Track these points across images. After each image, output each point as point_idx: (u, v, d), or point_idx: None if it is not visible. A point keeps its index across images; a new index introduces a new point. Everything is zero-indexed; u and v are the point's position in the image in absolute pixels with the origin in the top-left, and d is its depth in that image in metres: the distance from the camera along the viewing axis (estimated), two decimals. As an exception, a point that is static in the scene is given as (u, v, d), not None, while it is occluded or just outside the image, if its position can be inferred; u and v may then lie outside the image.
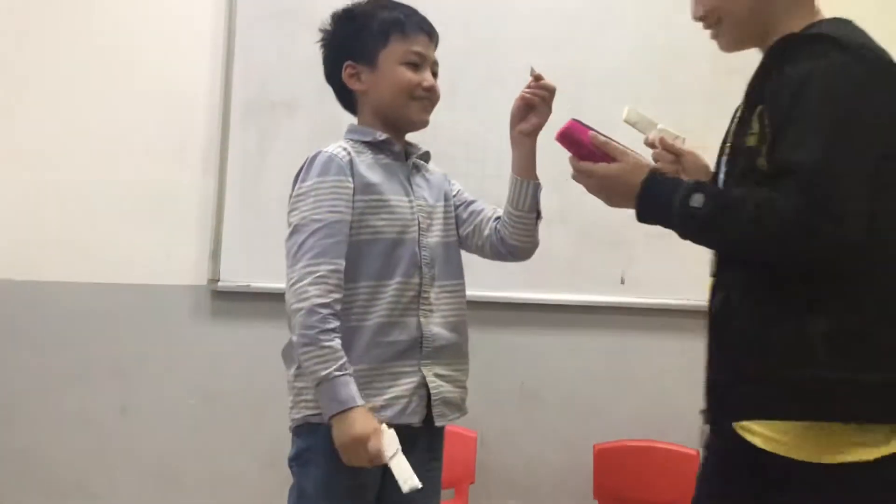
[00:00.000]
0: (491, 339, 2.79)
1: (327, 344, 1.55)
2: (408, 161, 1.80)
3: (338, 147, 1.70)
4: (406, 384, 1.65)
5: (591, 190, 1.51)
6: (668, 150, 1.67)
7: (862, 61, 1.28)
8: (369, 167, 1.70)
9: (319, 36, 1.83)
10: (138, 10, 3.09)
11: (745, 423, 1.33)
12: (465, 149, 2.79)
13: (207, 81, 3.02)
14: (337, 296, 1.59)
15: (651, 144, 1.68)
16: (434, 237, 1.77)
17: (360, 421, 1.53)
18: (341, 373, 1.55)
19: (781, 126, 1.27)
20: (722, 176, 1.46)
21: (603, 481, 2.72)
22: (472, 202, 1.88)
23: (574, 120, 1.52)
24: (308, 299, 1.57)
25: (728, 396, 1.38)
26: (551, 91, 1.73)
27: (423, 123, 1.80)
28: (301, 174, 1.69)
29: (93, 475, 2.94)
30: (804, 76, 1.27)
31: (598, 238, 2.79)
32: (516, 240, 1.79)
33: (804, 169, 1.22)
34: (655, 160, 1.65)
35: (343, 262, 1.62)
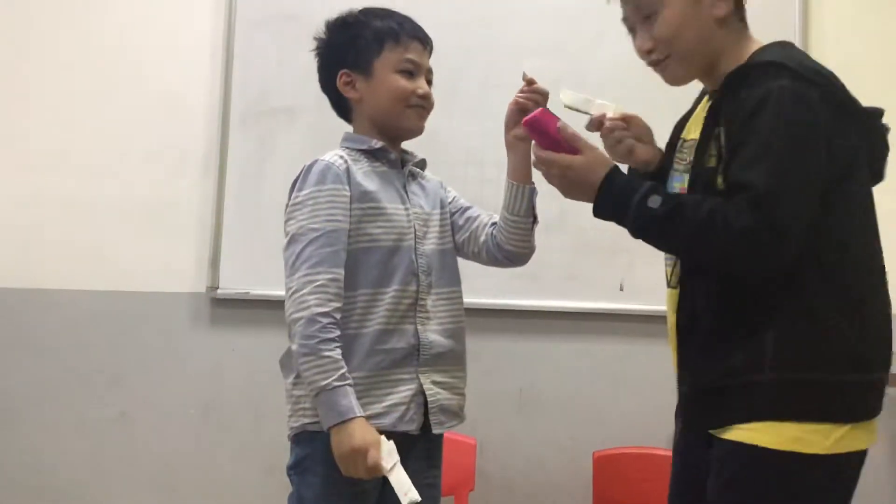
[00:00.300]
0: (490, 345, 2.78)
1: (327, 354, 1.55)
2: (403, 169, 1.80)
3: (334, 155, 1.70)
4: (404, 392, 1.65)
5: (550, 180, 1.53)
6: (617, 118, 1.68)
7: (813, 86, 1.33)
8: (366, 175, 1.71)
9: (315, 44, 1.84)
10: (138, 18, 3.10)
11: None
12: (464, 154, 2.79)
13: (206, 88, 3.02)
14: (337, 304, 1.60)
15: (597, 124, 1.68)
16: (430, 245, 1.77)
17: (360, 432, 1.53)
18: (341, 383, 1.55)
19: (736, 146, 1.33)
20: (677, 187, 1.51)
21: (602, 488, 2.71)
22: (467, 208, 1.89)
23: (544, 109, 1.56)
24: (308, 308, 1.57)
25: (695, 405, 1.44)
26: (544, 95, 1.72)
27: (418, 131, 1.81)
28: (297, 183, 1.69)
29: (92, 482, 2.94)
30: (758, 99, 1.32)
31: (597, 245, 2.78)
32: (512, 245, 1.79)
33: (754, 188, 1.28)
34: (606, 136, 1.67)
35: (342, 271, 1.62)
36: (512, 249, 1.79)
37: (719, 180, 1.36)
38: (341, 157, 1.70)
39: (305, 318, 1.56)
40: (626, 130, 1.66)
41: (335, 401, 1.54)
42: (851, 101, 1.40)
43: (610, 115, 1.66)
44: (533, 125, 1.53)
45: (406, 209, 1.74)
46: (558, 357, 2.89)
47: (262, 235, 2.80)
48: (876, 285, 1.42)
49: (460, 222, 1.86)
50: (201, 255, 2.95)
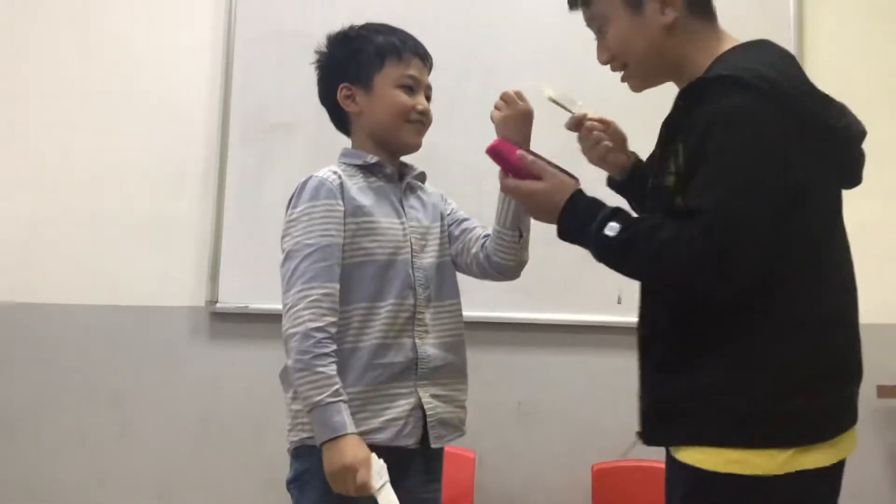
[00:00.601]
0: (488, 358, 2.78)
1: (321, 369, 1.56)
2: (402, 182, 1.81)
3: (328, 171, 1.71)
4: (402, 406, 1.65)
5: (519, 203, 1.57)
6: (596, 120, 1.70)
7: (764, 98, 1.28)
8: (360, 190, 1.72)
9: (315, 58, 1.85)
10: (138, 34, 3.13)
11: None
12: (462, 168, 2.80)
13: (206, 104, 3.04)
14: (331, 319, 1.60)
15: (577, 124, 1.70)
16: (429, 258, 1.77)
17: (351, 449, 1.53)
18: (334, 399, 1.55)
19: (690, 169, 1.30)
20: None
21: (601, 502, 2.71)
22: (464, 220, 1.89)
23: (501, 137, 1.58)
24: (302, 323, 1.58)
25: (654, 422, 1.43)
26: (526, 110, 1.71)
27: (416, 146, 1.81)
28: (293, 199, 1.71)
29: (91, 496, 2.94)
30: (708, 119, 1.29)
31: (593, 258, 2.78)
32: (499, 257, 1.79)
33: (706, 214, 1.25)
34: (585, 136, 1.69)
35: (337, 286, 1.63)
36: (499, 261, 1.79)
37: (679, 200, 1.33)
38: (335, 172, 1.71)
39: (300, 334, 1.57)
40: (604, 133, 1.68)
41: (328, 417, 1.54)
42: (811, 113, 1.35)
43: (590, 115, 1.69)
44: (495, 153, 1.54)
45: (402, 223, 1.74)
46: (557, 370, 2.90)
47: (261, 249, 2.80)
48: (834, 306, 1.38)
49: (456, 234, 1.86)
50: (201, 269, 2.97)
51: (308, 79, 1.88)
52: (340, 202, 1.67)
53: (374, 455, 1.55)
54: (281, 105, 2.96)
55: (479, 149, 2.79)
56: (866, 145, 2.90)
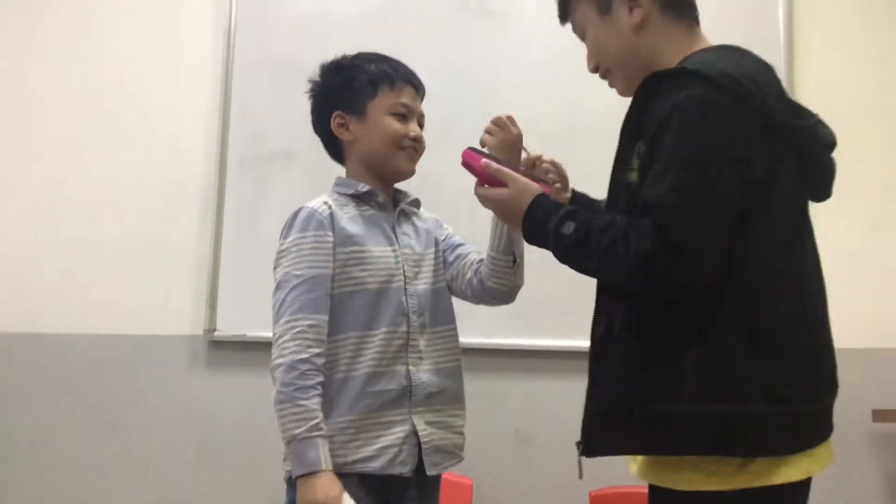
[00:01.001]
0: (485, 385, 2.78)
1: (302, 402, 1.56)
2: (396, 209, 1.82)
3: (319, 202, 1.73)
4: (396, 433, 1.65)
5: (491, 209, 1.59)
6: (548, 163, 1.76)
7: (728, 94, 1.26)
8: (351, 220, 1.73)
9: (309, 87, 1.87)
10: (138, 63, 3.16)
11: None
12: (456, 194, 2.80)
13: (205, 132, 3.07)
14: (317, 350, 1.61)
15: (531, 166, 1.74)
16: (423, 284, 1.78)
17: (324, 486, 1.54)
18: (312, 434, 1.55)
19: (647, 161, 1.29)
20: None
21: (600, 528, 2.70)
22: (459, 246, 1.89)
23: (469, 148, 1.60)
24: (288, 355, 1.59)
25: (601, 429, 1.38)
26: (518, 134, 1.73)
27: (410, 173, 1.83)
28: (284, 230, 1.72)
29: (88, 526, 2.92)
30: (666, 112, 1.27)
31: (590, 282, 2.77)
32: (493, 282, 1.79)
33: (658, 209, 1.23)
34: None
35: (324, 316, 1.64)
36: (493, 286, 1.80)
37: (639, 197, 1.31)
38: (326, 202, 1.72)
39: (285, 365, 1.58)
40: (554, 174, 1.74)
41: (303, 452, 1.55)
42: (773, 110, 1.31)
43: (541, 158, 1.75)
44: (464, 164, 1.59)
45: (394, 251, 1.75)
46: (555, 396, 2.89)
47: (259, 277, 2.75)
48: (798, 313, 1.34)
49: (450, 259, 1.87)
50: (199, 297, 2.97)
51: (306, 107, 1.89)
52: (330, 233, 1.68)
53: (346, 494, 1.55)
54: (279, 133, 2.99)
55: (472, 175, 2.82)
56: (854, 169, 2.94)
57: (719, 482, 1.27)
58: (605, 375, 1.38)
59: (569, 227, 1.35)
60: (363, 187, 1.77)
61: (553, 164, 1.76)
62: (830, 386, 1.39)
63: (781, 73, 2.87)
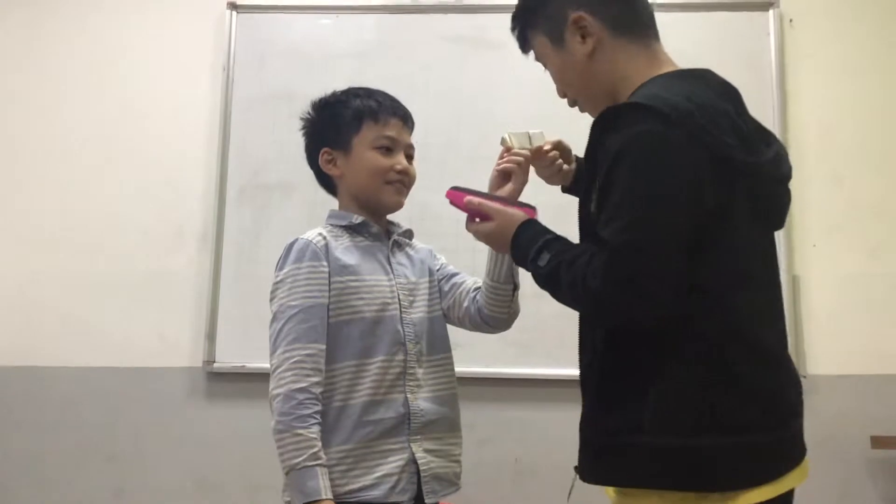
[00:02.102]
0: (485, 414, 2.79)
1: (301, 431, 1.57)
2: (389, 240, 1.84)
3: (314, 233, 1.74)
4: (395, 462, 1.65)
5: (485, 242, 1.63)
6: (551, 147, 1.74)
7: (679, 128, 1.26)
8: (346, 250, 1.74)
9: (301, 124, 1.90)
10: (138, 96, 3.19)
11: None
12: (455, 224, 2.82)
13: (204, 164, 3.09)
14: (315, 379, 1.61)
15: (537, 154, 1.73)
16: (418, 313, 1.79)
17: None
18: (312, 463, 1.56)
19: (601, 197, 1.30)
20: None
21: (601, 558, 2.69)
22: (454, 275, 1.91)
23: (452, 188, 1.63)
24: (284, 385, 1.60)
25: (585, 457, 1.41)
26: (525, 158, 1.72)
27: (397, 206, 1.84)
28: (279, 262, 1.74)
29: (86, 561, 2.90)
30: (618, 147, 1.28)
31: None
32: (492, 310, 1.80)
33: (611, 246, 1.24)
34: (549, 165, 1.74)
35: (321, 346, 1.65)
36: (492, 314, 1.81)
37: (599, 227, 1.32)
38: (321, 234, 1.74)
39: (282, 395, 1.59)
40: (559, 156, 1.75)
41: (303, 481, 1.55)
42: (727, 146, 1.30)
43: (546, 146, 1.74)
44: (451, 204, 1.64)
45: (389, 280, 1.77)
46: (554, 425, 2.87)
47: (258, 308, 2.77)
48: (760, 343, 1.33)
49: (446, 288, 1.88)
50: (198, 328, 2.98)
51: (302, 140, 1.92)
52: (325, 263, 1.70)
53: None
54: (277, 165, 3.01)
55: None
56: (852, 198, 2.96)
57: None
58: (590, 403, 1.41)
59: (544, 259, 1.38)
60: (357, 219, 1.79)
61: (555, 146, 1.75)
62: (796, 410, 1.38)
63: (774, 102, 2.97)
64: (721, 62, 3.15)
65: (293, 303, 1.66)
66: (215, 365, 2.95)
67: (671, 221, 1.25)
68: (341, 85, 1.90)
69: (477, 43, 3.11)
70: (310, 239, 1.72)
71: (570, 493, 1.52)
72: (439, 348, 1.81)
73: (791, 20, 3.07)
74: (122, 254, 3.07)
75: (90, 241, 3.08)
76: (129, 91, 3.20)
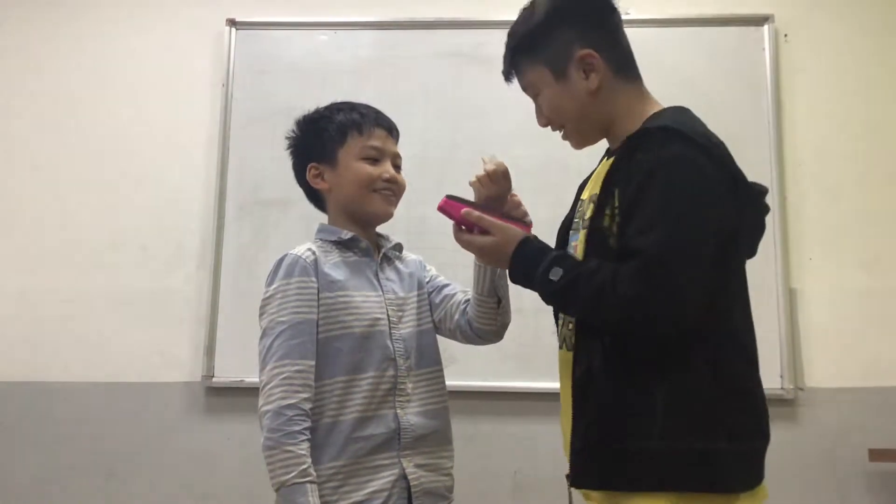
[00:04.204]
0: (484, 428, 2.79)
1: (290, 448, 1.57)
2: (379, 254, 1.84)
3: (304, 248, 1.75)
4: (385, 477, 1.65)
5: (474, 254, 1.63)
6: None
7: (703, 151, 1.35)
8: (335, 266, 1.75)
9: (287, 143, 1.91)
10: (137, 113, 3.21)
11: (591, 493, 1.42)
12: (452, 239, 2.85)
13: (203, 181, 3.11)
14: (304, 395, 1.61)
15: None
16: (408, 328, 1.79)
17: None
18: (302, 480, 1.56)
19: (629, 209, 1.36)
20: (574, 244, 1.56)
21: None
22: (444, 286, 1.90)
23: (448, 197, 1.62)
24: (274, 401, 1.60)
25: (584, 463, 1.42)
26: (502, 175, 1.71)
27: (386, 215, 1.84)
28: (269, 277, 1.73)
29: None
30: (652, 164, 1.34)
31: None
32: (480, 323, 1.80)
33: (646, 255, 1.29)
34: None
35: (310, 361, 1.65)
36: (480, 327, 1.81)
37: (612, 240, 1.39)
38: (310, 249, 1.74)
39: (272, 412, 1.59)
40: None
41: (293, 498, 1.55)
42: (740, 172, 1.41)
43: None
44: (443, 211, 1.62)
45: (378, 296, 1.77)
46: (553, 438, 2.84)
47: (256, 323, 2.82)
48: (754, 354, 1.43)
49: (437, 300, 1.88)
50: (197, 343, 2.99)
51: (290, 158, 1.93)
52: (314, 278, 1.70)
53: None
54: (276, 181, 3.01)
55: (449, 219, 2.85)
56: (848, 212, 2.98)
57: None
58: (586, 412, 1.43)
59: (556, 273, 1.39)
60: (346, 234, 1.79)
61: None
62: (768, 426, 1.44)
63: (769, 117, 2.99)
64: (716, 77, 3.22)
65: (282, 318, 1.66)
66: (214, 380, 2.96)
67: (705, 238, 1.31)
68: (340, 100, 1.92)
69: (475, 59, 3.13)
70: (299, 254, 1.72)
71: (570, 501, 1.54)
72: (429, 362, 1.81)
73: (786, 35, 3.10)
74: (121, 269, 3.08)
75: (90, 257, 3.09)
76: (128, 108, 3.21)
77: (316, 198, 1.89)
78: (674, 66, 2.87)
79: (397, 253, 1.91)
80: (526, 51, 1.57)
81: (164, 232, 3.10)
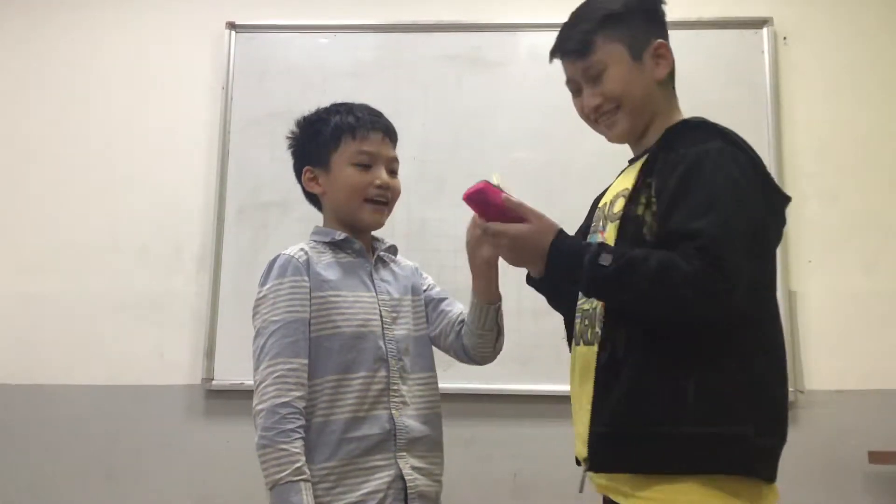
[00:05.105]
0: (483, 430, 2.79)
1: (284, 446, 1.56)
2: (373, 256, 1.83)
3: (297, 248, 1.75)
4: (381, 478, 1.64)
5: (497, 249, 1.57)
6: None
7: (740, 148, 1.44)
8: (328, 266, 1.74)
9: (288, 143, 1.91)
10: (135, 116, 3.21)
11: (616, 483, 1.43)
12: (453, 242, 2.85)
13: (202, 184, 3.11)
14: (297, 393, 1.61)
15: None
16: (402, 329, 1.78)
17: None
18: (296, 478, 1.55)
19: (675, 196, 1.38)
20: (598, 237, 1.57)
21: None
22: (441, 300, 1.89)
23: (487, 182, 1.52)
24: (267, 400, 1.59)
25: (608, 447, 1.43)
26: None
27: (375, 225, 1.83)
28: (262, 278, 1.73)
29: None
30: (698, 155, 1.40)
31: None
32: (478, 351, 1.82)
33: (705, 236, 1.31)
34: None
35: (303, 360, 1.64)
36: (477, 353, 1.82)
37: (646, 229, 1.42)
38: (303, 249, 1.75)
39: (266, 410, 1.59)
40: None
41: (287, 496, 1.54)
42: (770, 175, 1.49)
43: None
44: (476, 198, 1.52)
45: (372, 296, 1.76)
46: (552, 441, 2.87)
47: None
48: (780, 354, 1.47)
49: (433, 316, 1.88)
50: (197, 346, 2.99)
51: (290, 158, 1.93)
52: (306, 278, 1.70)
53: None
54: (276, 184, 3.02)
55: (467, 223, 2.85)
56: (849, 214, 2.98)
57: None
58: (610, 396, 1.42)
59: (606, 259, 1.37)
60: (339, 235, 1.79)
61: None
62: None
63: (769, 119, 3.00)
64: (715, 80, 3.22)
65: (275, 318, 1.66)
66: (214, 382, 2.96)
67: (746, 223, 1.36)
68: (341, 101, 1.91)
69: (474, 61, 3.14)
70: (291, 254, 1.72)
71: (581, 487, 1.55)
72: (423, 367, 1.80)
73: (785, 38, 3.10)
74: (121, 272, 3.08)
75: (89, 260, 3.09)
76: (128, 110, 3.22)
77: (312, 198, 1.89)
78: (673, 69, 2.88)
79: (392, 255, 1.90)
80: (610, 28, 1.58)
81: (163, 234, 3.10)
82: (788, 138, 3.01)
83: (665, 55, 1.59)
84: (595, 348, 1.49)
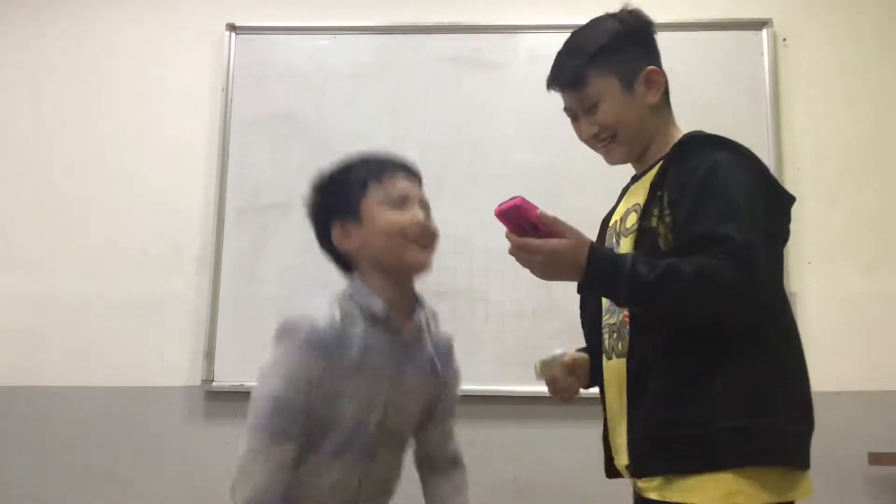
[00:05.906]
0: (482, 433, 2.79)
1: None
2: (410, 327, 1.65)
3: (326, 316, 1.54)
4: None
5: (530, 265, 1.53)
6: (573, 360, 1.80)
7: (750, 158, 1.51)
8: (354, 343, 1.55)
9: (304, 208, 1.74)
10: (136, 117, 3.21)
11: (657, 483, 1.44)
12: (453, 244, 2.85)
13: (203, 186, 3.11)
14: (283, 476, 1.54)
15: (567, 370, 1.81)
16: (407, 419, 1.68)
17: None
18: None
19: (696, 204, 1.43)
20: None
21: (600, 576, 2.68)
22: (445, 418, 1.77)
23: (523, 198, 1.49)
24: (252, 488, 1.54)
25: (646, 452, 1.47)
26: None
27: (423, 266, 1.63)
28: (278, 335, 1.55)
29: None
30: (712, 164, 1.46)
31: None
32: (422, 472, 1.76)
33: (735, 240, 1.36)
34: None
35: (294, 445, 1.55)
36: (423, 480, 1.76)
37: (660, 240, 1.47)
38: (335, 317, 1.54)
39: (247, 499, 1.54)
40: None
41: None
42: (775, 179, 1.56)
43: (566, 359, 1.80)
44: (511, 213, 1.49)
45: (393, 383, 1.61)
46: (552, 443, 2.89)
47: (256, 328, 2.82)
48: (800, 349, 1.51)
49: (429, 421, 1.74)
50: (196, 348, 2.99)
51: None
52: (322, 358, 1.52)
53: None
54: (276, 186, 3.03)
55: (469, 223, 2.84)
56: (847, 216, 2.98)
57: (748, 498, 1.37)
58: (643, 402, 1.47)
59: (644, 268, 1.40)
60: (381, 309, 1.58)
61: (575, 361, 1.82)
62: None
63: (768, 121, 3.00)
64: (715, 82, 3.22)
65: (277, 394, 1.53)
66: (214, 384, 2.96)
67: (764, 228, 1.42)
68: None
69: (474, 63, 3.14)
70: (319, 326, 1.52)
71: (635, 488, 1.58)
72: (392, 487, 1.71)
73: (785, 39, 3.10)
74: (121, 274, 3.08)
75: (90, 262, 3.09)
76: (127, 113, 3.22)
77: (343, 262, 1.67)
78: (672, 71, 2.85)
79: (429, 331, 1.69)
80: (602, 61, 1.63)
81: (163, 236, 3.10)
82: (788, 139, 3.02)
83: (656, 80, 1.64)
84: (624, 361, 1.54)
